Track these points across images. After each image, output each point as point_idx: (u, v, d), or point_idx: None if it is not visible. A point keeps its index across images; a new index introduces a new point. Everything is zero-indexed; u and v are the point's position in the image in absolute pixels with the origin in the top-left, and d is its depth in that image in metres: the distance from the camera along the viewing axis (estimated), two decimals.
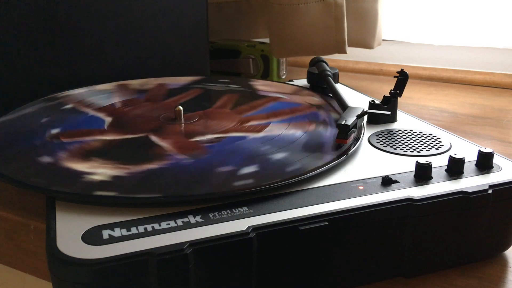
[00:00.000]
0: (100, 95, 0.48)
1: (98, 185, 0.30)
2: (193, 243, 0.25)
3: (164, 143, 0.36)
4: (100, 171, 0.32)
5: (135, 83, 0.52)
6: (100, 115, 0.43)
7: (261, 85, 0.51)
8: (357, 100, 0.48)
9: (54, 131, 0.39)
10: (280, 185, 0.30)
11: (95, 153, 0.35)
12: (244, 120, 0.41)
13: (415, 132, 0.40)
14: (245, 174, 0.31)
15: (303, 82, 0.54)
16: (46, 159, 0.34)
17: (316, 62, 0.52)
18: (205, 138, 0.37)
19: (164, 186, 0.30)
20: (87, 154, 0.35)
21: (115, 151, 0.35)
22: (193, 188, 0.30)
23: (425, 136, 0.39)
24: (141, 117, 0.42)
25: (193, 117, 0.42)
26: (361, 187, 0.31)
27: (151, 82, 0.53)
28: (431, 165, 0.32)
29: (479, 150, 0.34)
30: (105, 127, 0.40)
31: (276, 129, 0.39)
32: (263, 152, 0.35)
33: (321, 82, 0.50)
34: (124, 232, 0.26)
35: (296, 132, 0.38)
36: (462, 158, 0.33)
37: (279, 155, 0.34)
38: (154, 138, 0.38)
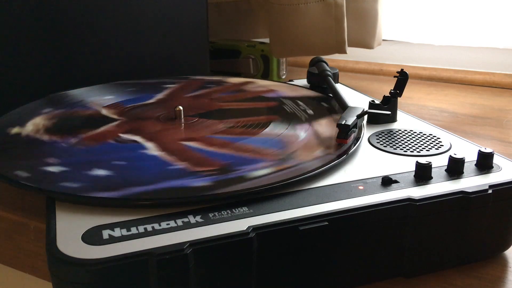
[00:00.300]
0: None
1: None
2: (193, 243, 0.25)
3: (99, 129, 0.39)
4: (28, 127, 0.38)
5: (261, 83, 0.53)
6: (158, 97, 0.47)
7: (321, 123, 0.41)
8: (357, 100, 0.48)
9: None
10: (280, 185, 0.30)
11: (65, 118, 0.41)
12: (199, 138, 0.38)
13: (415, 132, 0.40)
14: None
15: (303, 82, 0.54)
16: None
17: (316, 62, 0.52)
18: (126, 137, 0.38)
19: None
20: (56, 116, 0.41)
21: (73, 120, 0.41)
22: None
23: (425, 136, 0.39)
24: (160, 109, 0.44)
25: (193, 119, 0.42)
26: (361, 187, 0.31)
27: (275, 85, 0.52)
28: (431, 165, 0.32)
29: (479, 150, 0.34)
30: (125, 105, 0.44)
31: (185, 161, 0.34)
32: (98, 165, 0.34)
33: (321, 82, 0.50)
34: (124, 232, 0.26)
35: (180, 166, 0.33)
36: (462, 158, 0.33)
37: (98, 172, 0.32)
38: (107, 125, 0.40)
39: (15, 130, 0.39)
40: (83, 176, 0.31)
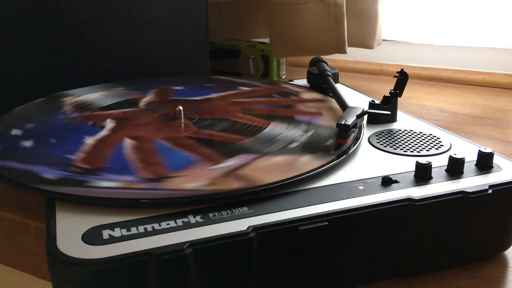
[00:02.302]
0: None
1: None
2: (193, 243, 0.25)
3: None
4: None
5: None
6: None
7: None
8: (357, 100, 0.48)
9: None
10: (280, 185, 0.30)
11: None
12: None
13: (415, 132, 0.40)
14: None
15: (303, 82, 0.54)
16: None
17: (316, 62, 0.52)
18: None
19: None
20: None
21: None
22: None
23: (425, 136, 0.39)
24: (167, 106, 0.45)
25: (193, 117, 0.42)
26: (361, 187, 0.31)
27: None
28: (431, 165, 0.32)
29: (479, 150, 0.34)
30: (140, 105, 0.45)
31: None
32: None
33: (321, 82, 0.50)
34: (124, 232, 0.26)
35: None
36: (462, 158, 0.33)
37: None
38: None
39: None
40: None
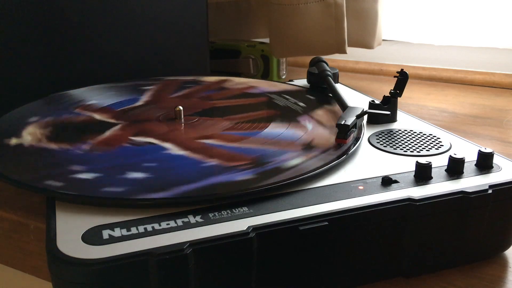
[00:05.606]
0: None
1: None
2: (193, 243, 0.25)
3: (105, 133, 0.39)
4: (27, 129, 0.39)
5: (238, 80, 0.53)
6: (143, 99, 0.47)
7: (319, 122, 0.42)
8: (357, 100, 0.48)
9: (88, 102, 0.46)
10: (280, 185, 0.30)
11: (61, 124, 0.41)
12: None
13: (415, 132, 0.40)
14: None
15: (303, 82, 0.54)
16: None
17: (316, 62, 0.52)
18: (140, 140, 0.38)
19: None
20: (51, 121, 0.41)
21: (69, 125, 0.41)
22: None
23: (425, 136, 0.39)
24: (152, 110, 0.44)
25: (193, 118, 0.42)
26: (361, 187, 0.31)
27: (253, 82, 0.53)
28: (431, 165, 0.32)
29: (479, 150, 0.34)
30: (116, 109, 0.44)
31: None
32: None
33: (321, 82, 0.50)
34: (124, 232, 0.26)
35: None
36: (462, 158, 0.33)
37: (135, 174, 0.32)
38: (111, 130, 0.40)
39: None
40: (121, 180, 0.31)
